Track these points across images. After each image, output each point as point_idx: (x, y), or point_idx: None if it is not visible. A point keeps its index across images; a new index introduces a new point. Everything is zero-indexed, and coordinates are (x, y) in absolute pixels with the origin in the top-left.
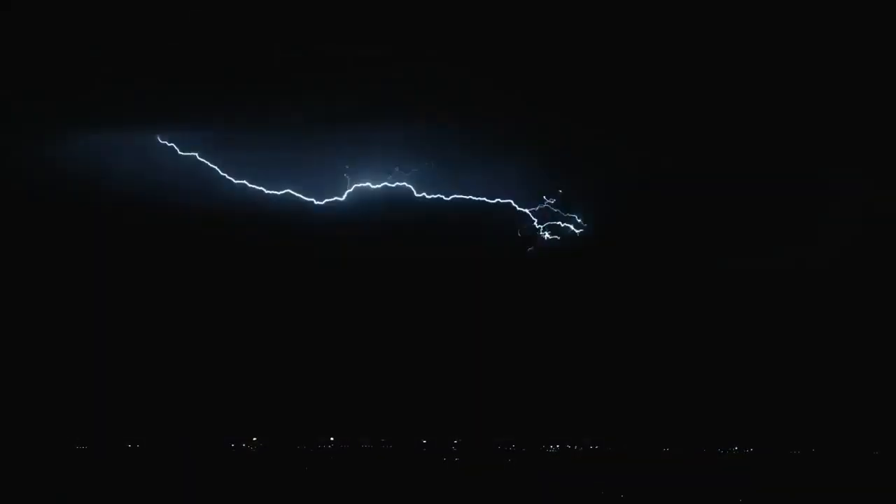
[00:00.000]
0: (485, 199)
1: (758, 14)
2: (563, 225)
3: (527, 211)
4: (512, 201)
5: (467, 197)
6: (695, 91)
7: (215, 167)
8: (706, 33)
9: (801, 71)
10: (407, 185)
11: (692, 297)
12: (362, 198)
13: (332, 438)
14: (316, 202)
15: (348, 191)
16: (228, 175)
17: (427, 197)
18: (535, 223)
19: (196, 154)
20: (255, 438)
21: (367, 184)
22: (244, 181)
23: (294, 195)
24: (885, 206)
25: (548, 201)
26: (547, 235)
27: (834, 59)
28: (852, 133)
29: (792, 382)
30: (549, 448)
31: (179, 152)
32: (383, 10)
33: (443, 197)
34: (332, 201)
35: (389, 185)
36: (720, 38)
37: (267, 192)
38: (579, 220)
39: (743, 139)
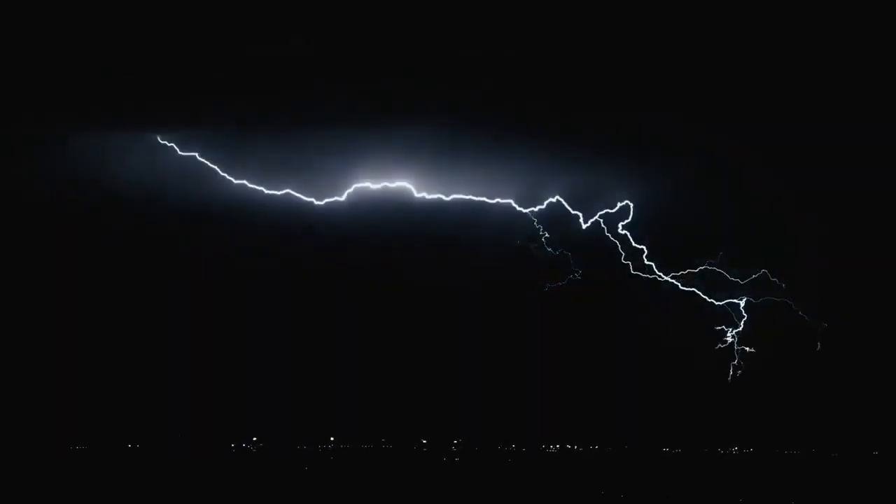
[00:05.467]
0: (485, 199)
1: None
2: (563, 226)
3: (526, 211)
4: (512, 201)
5: (467, 197)
6: (694, 91)
7: (215, 167)
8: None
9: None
10: (407, 185)
11: (692, 297)
12: (362, 198)
13: (332, 438)
14: (316, 202)
15: (348, 191)
16: (228, 175)
17: (427, 197)
18: (535, 223)
19: (196, 154)
20: (255, 438)
21: (367, 184)
22: (244, 181)
23: (294, 195)
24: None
25: (549, 201)
26: (547, 236)
27: None
28: None
29: (792, 383)
30: (549, 448)
31: (179, 152)
32: (384, 11)
33: (443, 197)
34: (332, 201)
35: (389, 185)
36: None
37: (267, 192)
38: (580, 222)
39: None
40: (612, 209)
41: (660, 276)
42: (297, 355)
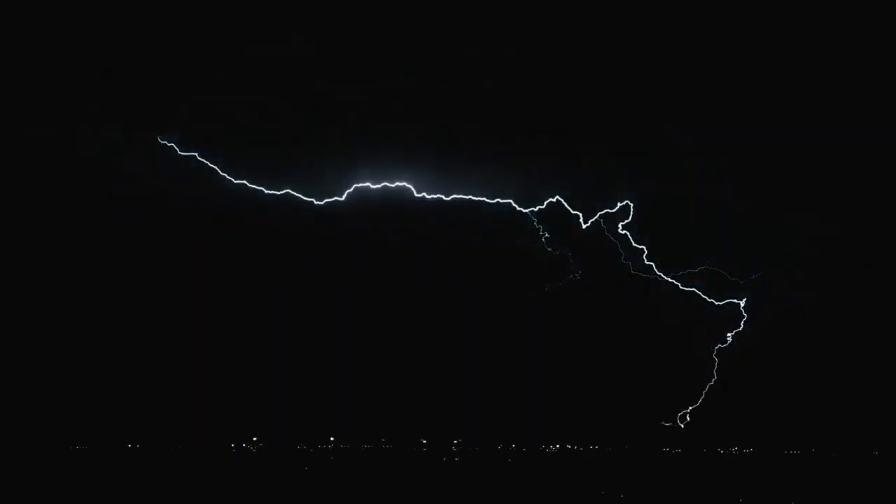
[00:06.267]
0: (485, 199)
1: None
2: (563, 226)
3: (526, 211)
4: (512, 201)
5: (467, 197)
6: (694, 92)
7: (215, 167)
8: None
9: None
10: (407, 185)
11: (692, 297)
12: (362, 198)
13: (332, 438)
14: (316, 202)
15: (348, 191)
16: (228, 175)
17: (427, 197)
18: (535, 223)
19: (196, 154)
20: (255, 438)
21: (367, 184)
22: (244, 181)
23: (294, 195)
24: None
25: (549, 201)
26: (547, 236)
27: None
28: None
29: (792, 383)
30: (549, 448)
31: (179, 152)
32: (384, 11)
33: (443, 197)
34: (331, 201)
35: (389, 185)
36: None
37: (267, 192)
38: (580, 222)
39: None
40: (612, 209)
41: (660, 276)
42: (298, 355)
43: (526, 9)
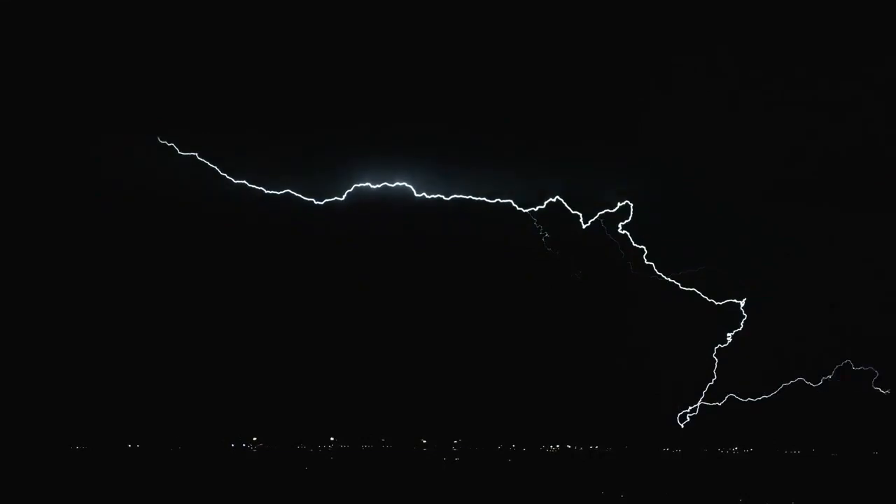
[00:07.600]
0: (485, 199)
1: None
2: (563, 226)
3: (526, 211)
4: (512, 201)
5: (467, 197)
6: (694, 92)
7: (215, 167)
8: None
9: None
10: (407, 185)
11: (692, 297)
12: (362, 198)
13: (332, 438)
14: (316, 202)
15: (348, 191)
16: (228, 175)
17: (427, 197)
18: (535, 223)
19: (196, 154)
20: (255, 438)
21: (367, 184)
22: (244, 181)
23: (294, 195)
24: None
25: (549, 201)
26: (547, 236)
27: None
28: None
29: (791, 383)
30: (549, 448)
31: (179, 152)
32: (384, 11)
33: (443, 197)
34: (331, 201)
35: (389, 185)
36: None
37: (267, 192)
38: (580, 222)
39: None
40: (612, 209)
41: (660, 276)
42: (298, 355)
43: (526, 9)
